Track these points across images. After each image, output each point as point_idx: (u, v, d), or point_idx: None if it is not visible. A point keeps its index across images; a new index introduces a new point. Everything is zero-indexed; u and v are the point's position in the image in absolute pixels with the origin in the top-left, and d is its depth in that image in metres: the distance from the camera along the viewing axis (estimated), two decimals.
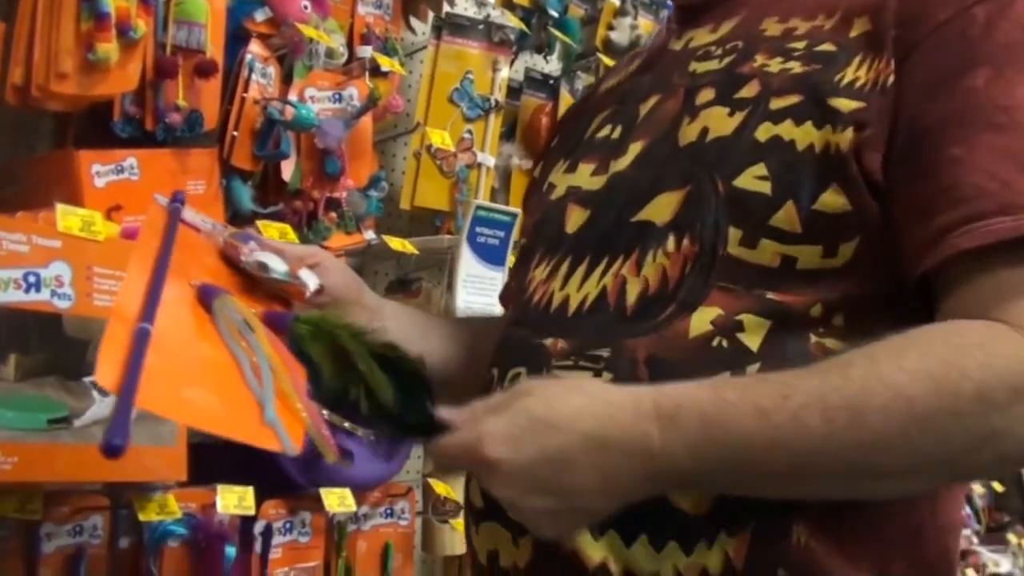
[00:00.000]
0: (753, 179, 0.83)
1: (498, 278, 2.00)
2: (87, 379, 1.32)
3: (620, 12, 2.45)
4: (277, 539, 1.66)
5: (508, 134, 2.27)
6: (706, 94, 0.90)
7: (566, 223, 0.93)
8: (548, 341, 0.87)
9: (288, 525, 1.69)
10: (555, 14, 2.31)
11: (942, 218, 0.78)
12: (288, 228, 1.77)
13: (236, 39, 1.73)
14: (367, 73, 1.92)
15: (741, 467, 0.73)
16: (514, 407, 0.74)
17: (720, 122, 0.86)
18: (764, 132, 0.84)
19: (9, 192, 1.56)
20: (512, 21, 2.22)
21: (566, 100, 2.26)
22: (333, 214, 1.87)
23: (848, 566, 0.79)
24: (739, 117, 0.86)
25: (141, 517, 1.44)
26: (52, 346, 1.31)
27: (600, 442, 0.72)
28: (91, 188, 1.51)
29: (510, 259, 2.02)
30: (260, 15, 1.76)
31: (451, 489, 1.98)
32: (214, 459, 1.37)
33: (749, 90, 0.87)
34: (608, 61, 2.35)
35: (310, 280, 0.98)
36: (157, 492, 1.46)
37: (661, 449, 0.72)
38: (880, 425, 0.71)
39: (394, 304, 1.10)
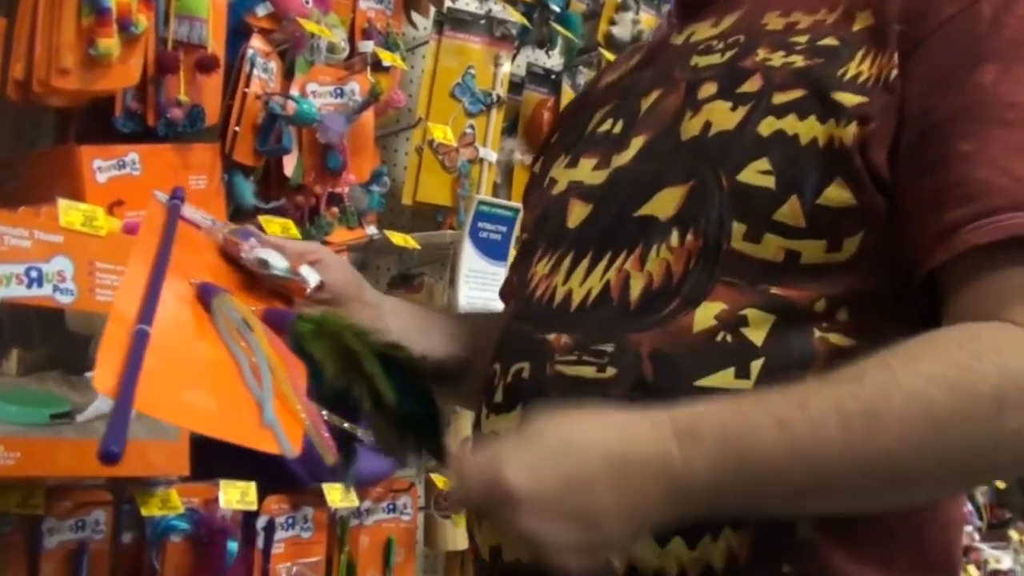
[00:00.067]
0: (757, 173, 0.83)
1: (500, 273, 2.00)
2: (89, 374, 1.32)
3: (622, 7, 2.44)
4: (279, 534, 1.67)
5: (510, 129, 2.27)
6: (708, 88, 0.89)
7: (568, 217, 0.93)
8: (551, 336, 0.86)
9: (290, 520, 1.69)
10: (557, 9, 2.31)
11: (952, 213, 0.77)
12: (290, 223, 1.77)
13: (237, 34, 1.72)
14: (369, 68, 1.92)
15: (764, 482, 0.72)
16: (530, 438, 0.73)
17: (723, 116, 0.86)
18: (767, 127, 0.84)
19: (11, 187, 1.56)
20: (514, 16, 2.21)
21: (568, 95, 2.26)
22: (335, 209, 1.87)
23: (852, 561, 0.79)
24: (742, 111, 0.85)
25: (143, 512, 1.44)
26: (54, 341, 1.31)
27: (621, 462, 0.71)
28: (93, 183, 1.51)
29: (512, 254, 2.02)
30: (261, 10, 1.76)
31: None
32: (216, 454, 1.37)
33: (752, 84, 0.86)
34: (610, 56, 2.34)
35: (311, 276, 0.97)
36: (159, 487, 1.46)
37: (683, 465, 0.71)
38: (899, 431, 0.71)
39: (394, 300, 1.10)
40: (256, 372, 0.79)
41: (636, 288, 0.84)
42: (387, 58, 1.94)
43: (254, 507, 1.56)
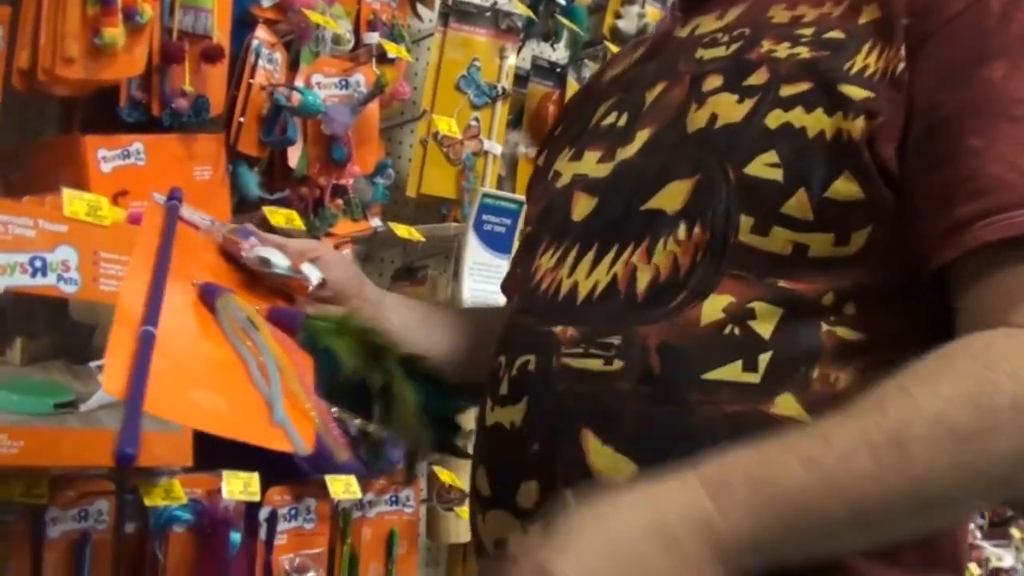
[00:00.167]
0: (764, 166, 0.82)
1: (504, 266, 1.99)
2: (93, 364, 1.32)
3: (628, 0, 2.44)
4: (282, 525, 1.67)
5: (515, 122, 2.27)
6: (713, 80, 0.89)
7: (572, 211, 0.93)
8: (557, 329, 0.86)
9: (293, 511, 1.69)
10: (562, 2, 2.30)
11: (962, 209, 0.77)
12: (294, 214, 1.77)
13: (243, 24, 1.72)
14: (374, 60, 1.92)
15: (803, 524, 0.70)
16: (565, 532, 0.71)
17: (729, 109, 0.86)
18: (774, 119, 0.83)
19: (15, 177, 1.56)
20: (519, 8, 2.21)
21: (573, 88, 2.26)
22: (339, 201, 1.87)
23: (861, 557, 0.79)
24: (748, 104, 0.85)
25: (147, 502, 1.44)
26: (58, 330, 1.31)
27: (663, 530, 0.69)
28: (97, 173, 1.52)
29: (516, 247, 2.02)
30: (267, 1, 1.75)
31: (456, 477, 1.98)
32: (219, 445, 1.37)
33: (758, 77, 0.86)
34: (615, 49, 2.34)
35: (312, 274, 0.97)
36: (163, 477, 1.46)
37: (721, 519, 0.69)
38: (928, 456, 0.70)
39: (395, 296, 1.09)
40: (263, 371, 0.79)
41: (643, 281, 0.84)
42: (392, 50, 1.94)
43: (257, 498, 1.56)
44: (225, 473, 1.52)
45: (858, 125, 0.80)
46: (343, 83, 1.88)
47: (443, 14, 2.12)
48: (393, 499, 1.89)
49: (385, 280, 2.13)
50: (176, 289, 0.84)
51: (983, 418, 0.70)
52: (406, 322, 1.03)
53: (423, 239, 1.98)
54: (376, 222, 1.95)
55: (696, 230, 0.83)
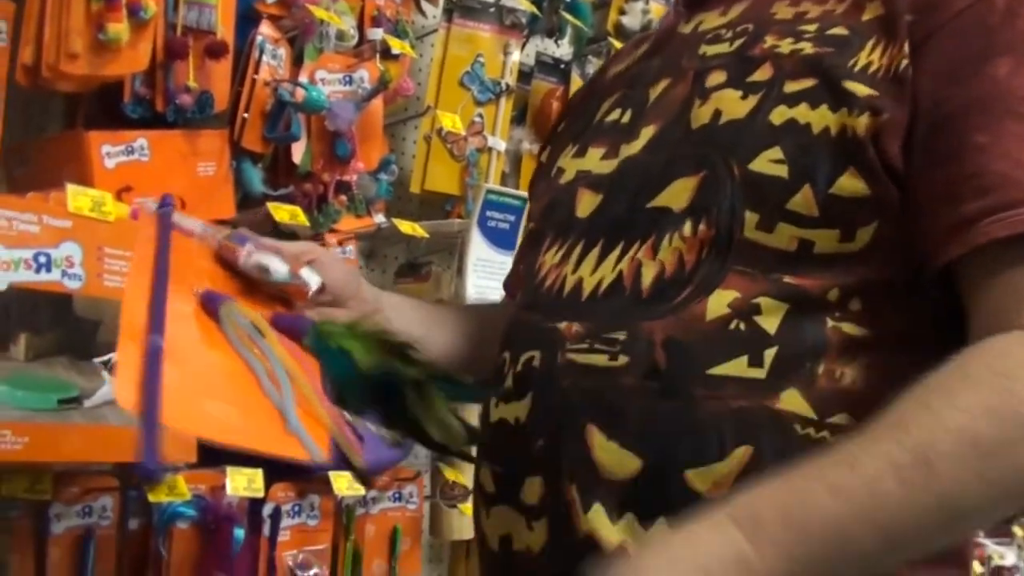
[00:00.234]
0: (769, 162, 0.82)
1: (508, 262, 1.98)
2: (97, 360, 1.32)
3: None
4: (286, 522, 1.67)
5: (519, 118, 2.26)
6: (716, 76, 0.89)
7: (577, 207, 0.93)
8: (562, 324, 0.86)
9: (297, 508, 1.69)
10: None
11: (969, 206, 0.77)
12: (298, 210, 1.77)
13: (247, 20, 1.72)
14: (378, 56, 1.92)
15: (836, 553, 0.70)
16: None
17: (733, 105, 0.86)
18: (779, 115, 0.83)
19: (20, 173, 1.56)
20: (523, 4, 2.20)
21: (577, 84, 2.25)
22: (343, 197, 1.87)
23: None
24: (753, 100, 0.85)
25: (150, 498, 1.44)
26: (62, 326, 1.31)
27: (701, 571, 0.69)
28: (101, 169, 1.51)
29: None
30: None
31: (460, 474, 1.98)
32: None
33: (762, 73, 0.86)
34: (619, 45, 2.33)
35: (312, 279, 0.96)
36: (167, 473, 1.46)
37: (758, 559, 0.69)
38: (954, 472, 0.70)
39: (394, 296, 1.09)
40: (273, 378, 0.78)
41: (648, 277, 0.84)
42: (396, 46, 1.94)
43: (261, 494, 1.56)
44: (229, 469, 1.52)
45: (862, 122, 0.80)
46: (347, 79, 1.88)
47: (447, 10, 2.11)
48: (396, 496, 1.89)
49: (389, 276, 2.13)
50: (177, 299, 0.83)
51: (1005, 429, 0.70)
52: (405, 321, 1.02)
53: (427, 235, 1.98)
54: (380, 218, 1.94)
55: (701, 227, 0.83)
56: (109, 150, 1.53)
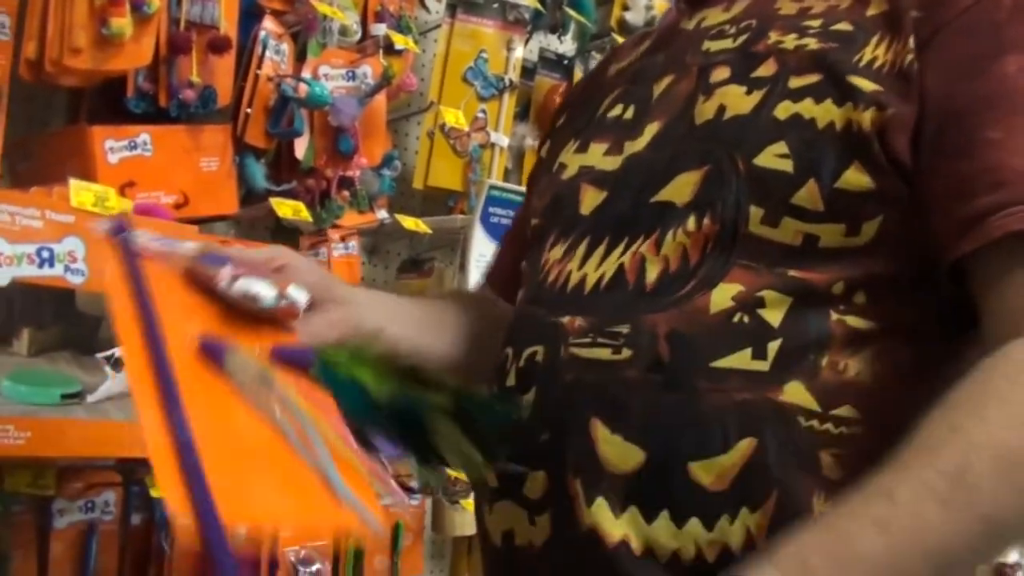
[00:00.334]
0: (774, 157, 0.82)
1: None
2: (100, 355, 1.32)
3: None
4: None
5: (522, 114, 2.26)
6: (720, 72, 0.89)
7: (580, 203, 0.92)
8: (565, 319, 0.86)
9: None
10: None
11: (983, 200, 0.76)
12: (301, 206, 1.77)
13: (250, 15, 1.72)
14: (381, 51, 1.91)
15: None
16: None
17: (737, 100, 0.86)
18: (783, 110, 0.83)
19: (23, 167, 1.56)
20: (527, 0, 2.20)
21: None
22: (346, 192, 1.87)
23: None
24: (757, 96, 0.85)
25: (153, 494, 1.45)
26: (65, 321, 1.31)
27: None
28: (104, 164, 1.51)
29: None
30: None
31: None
32: None
33: (766, 69, 0.86)
34: (622, 41, 2.33)
35: (300, 297, 0.90)
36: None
37: None
38: (991, 487, 0.70)
39: (368, 293, 1.04)
40: (304, 439, 0.73)
41: (652, 272, 0.84)
42: (400, 41, 1.94)
43: None
44: None
45: (868, 116, 0.80)
46: (350, 74, 1.87)
47: (450, 5, 2.11)
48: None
49: (391, 272, 2.13)
50: (177, 354, 0.78)
51: None
52: (379, 319, 0.98)
53: (430, 231, 1.98)
54: (383, 214, 1.94)
55: (706, 221, 0.83)
56: (112, 145, 1.53)
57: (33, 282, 1.27)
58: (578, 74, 2.29)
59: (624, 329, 0.82)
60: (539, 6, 2.22)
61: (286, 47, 1.78)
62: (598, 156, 0.94)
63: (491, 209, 2.01)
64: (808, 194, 0.81)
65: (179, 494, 0.65)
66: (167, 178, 1.60)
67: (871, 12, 0.85)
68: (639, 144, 0.91)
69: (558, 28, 2.34)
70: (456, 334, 1.06)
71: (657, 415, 0.80)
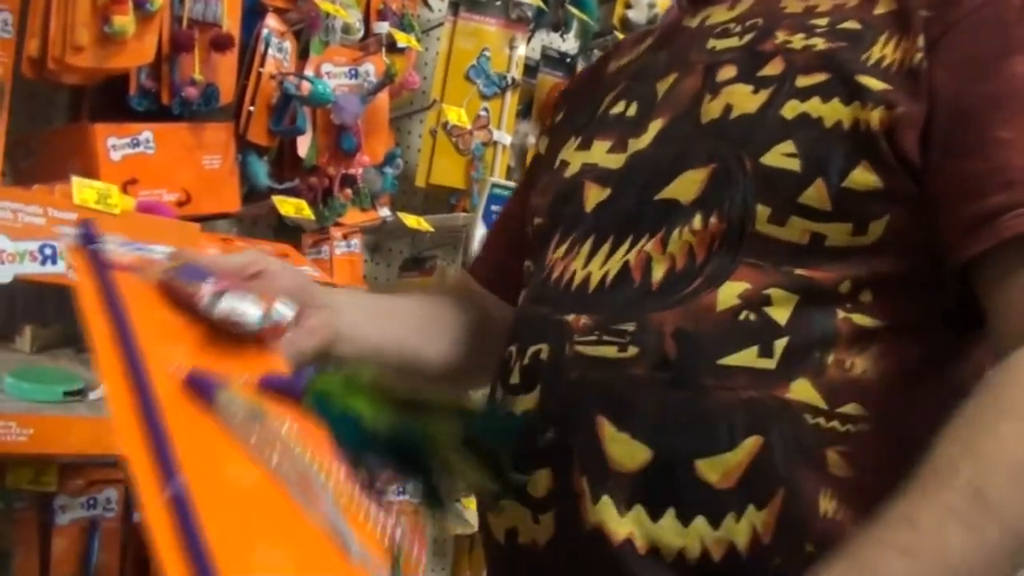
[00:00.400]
0: (782, 156, 0.82)
1: None
2: None
3: None
4: None
5: (524, 112, 2.26)
6: (727, 71, 0.89)
7: (584, 201, 0.92)
8: (570, 317, 0.86)
9: None
10: None
11: (994, 199, 0.76)
12: (303, 204, 1.77)
13: (252, 13, 1.72)
14: (384, 49, 1.91)
15: None
16: None
17: (744, 99, 0.86)
18: (791, 110, 0.83)
19: (25, 165, 1.56)
20: None
21: None
22: (348, 191, 1.87)
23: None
24: (764, 95, 0.85)
25: None
26: (68, 318, 1.31)
27: None
28: (107, 161, 1.52)
29: None
30: None
31: None
32: None
33: (773, 68, 0.86)
34: None
35: (286, 312, 0.85)
36: None
37: None
38: (1012, 500, 0.70)
39: (348, 293, 1.03)
40: (307, 486, 0.68)
41: (659, 270, 0.84)
42: (402, 39, 1.94)
43: None
44: None
45: (876, 115, 0.80)
46: (353, 72, 1.87)
47: (453, 4, 2.11)
48: (400, 489, 1.89)
49: (393, 270, 2.13)
50: (163, 391, 0.72)
51: None
52: (360, 321, 0.97)
53: (432, 229, 1.98)
54: (385, 212, 1.94)
55: (712, 220, 0.83)
56: (115, 142, 1.53)
57: (35, 279, 1.27)
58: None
59: (630, 327, 0.82)
60: (542, 4, 2.21)
61: (289, 45, 1.78)
62: (601, 153, 0.94)
63: (493, 207, 2.00)
64: (816, 193, 0.81)
65: (176, 558, 0.60)
66: (169, 176, 1.60)
67: (879, 11, 0.85)
68: (643, 141, 0.91)
69: (560, 26, 2.33)
70: (444, 331, 1.06)
71: (664, 413, 0.80)
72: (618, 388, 0.81)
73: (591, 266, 0.88)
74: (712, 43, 0.93)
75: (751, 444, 0.78)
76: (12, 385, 1.27)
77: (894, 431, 0.80)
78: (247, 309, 0.82)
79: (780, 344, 0.80)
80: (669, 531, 0.79)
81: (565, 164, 0.97)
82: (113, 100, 1.59)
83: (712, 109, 0.87)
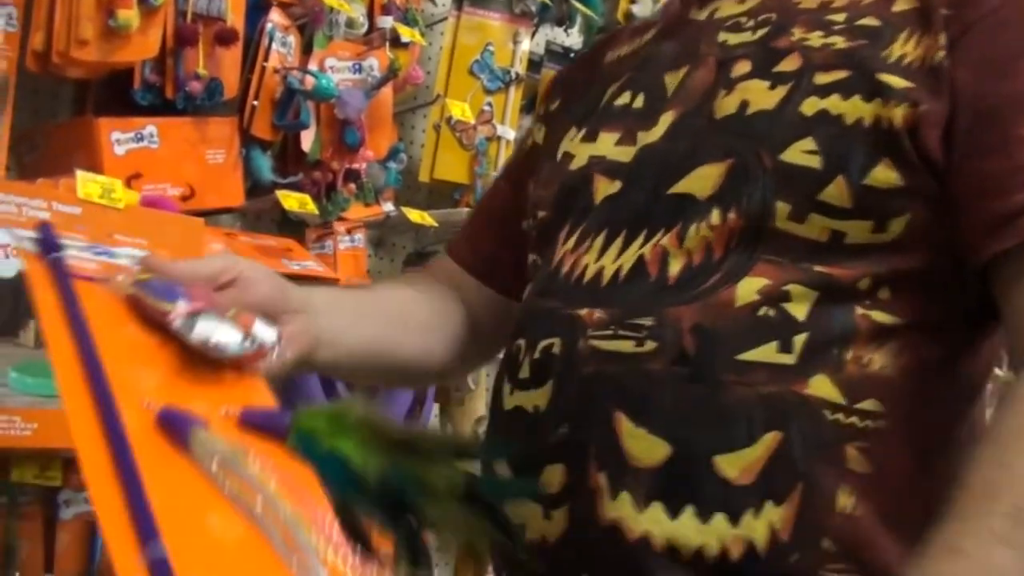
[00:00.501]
0: (801, 153, 0.82)
1: None
2: None
3: None
4: None
5: (528, 107, 2.25)
6: (742, 66, 0.88)
7: (594, 195, 0.91)
8: (583, 311, 0.85)
9: None
10: None
11: (1016, 198, 0.77)
12: (307, 198, 1.77)
13: (256, 7, 1.71)
14: (387, 44, 1.91)
15: None
16: None
17: (761, 96, 0.85)
18: (810, 106, 0.83)
19: (29, 159, 1.55)
20: None
21: None
22: (352, 185, 1.86)
23: (891, 534, 0.79)
24: (781, 91, 0.85)
25: None
26: None
27: None
28: (111, 155, 1.51)
29: None
30: None
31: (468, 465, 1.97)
32: None
33: (789, 64, 0.86)
34: None
35: (268, 335, 0.79)
36: None
37: None
38: None
39: (324, 294, 0.99)
40: (290, 541, 0.63)
41: (675, 265, 0.83)
42: (406, 34, 1.93)
43: None
44: None
45: (899, 113, 0.80)
46: (356, 67, 1.87)
47: None
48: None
49: (397, 265, 2.13)
50: (133, 430, 0.66)
51: None
52: (337, 322, 0.95)
53: (435, 224, 1.97)
54: (389, 207, 1.94)
55: (730, 215, 0.83)
56: (119, 137, 1.53)
57: None
58: None
59: (647, 322, 0.82)
60: None
61: (293, 39, 1.77)
62: (609, 146, 0.93)
63: None
64: (836, 190, 0.81)
65: None
66: (173, 170, 1.59)
67: (898, 8, 0.85)
68: (654, 135, 0.90)
69: (564, 21, 2.33)
70: (425, 325, 1.04)
71: (682, 408, 0.80)
72: (635, 383, 0.81)
73: (604, 260, 0.87)
74: (723, 36, 0.92)
75: (770, 439, 0.78)
76: (16, 379, 1.26)
77: (912, 427, 0.80)
78: (225, 336, 0.76)
79: (799, 340, 0.80)
80: (688, 528, 0.79)
81: (570, 156, 0.96)
82: (117, 94, 1.58)
83: (727, 104, 0.87)
